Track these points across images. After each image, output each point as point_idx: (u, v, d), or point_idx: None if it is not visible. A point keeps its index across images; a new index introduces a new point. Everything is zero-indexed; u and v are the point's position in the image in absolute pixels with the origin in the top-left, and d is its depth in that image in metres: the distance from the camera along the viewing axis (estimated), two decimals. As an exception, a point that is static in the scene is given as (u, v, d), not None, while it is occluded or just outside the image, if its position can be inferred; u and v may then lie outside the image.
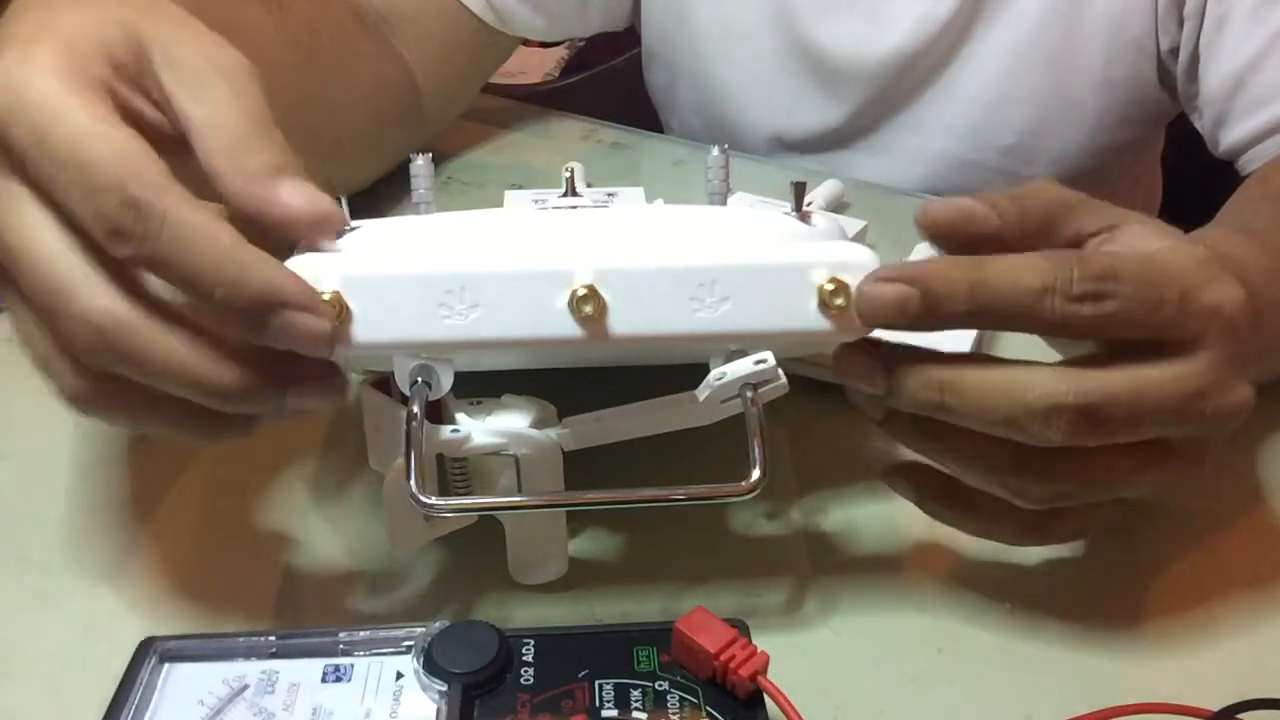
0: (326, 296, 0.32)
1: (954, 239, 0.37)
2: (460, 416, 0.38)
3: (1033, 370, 0.34)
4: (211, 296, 0.31)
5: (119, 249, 0.31)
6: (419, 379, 0.35)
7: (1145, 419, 0.34)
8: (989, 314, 0.34)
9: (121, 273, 0.32)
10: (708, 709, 0.32)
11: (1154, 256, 0.35)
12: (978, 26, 0.73)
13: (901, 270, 0.34)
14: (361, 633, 0.34)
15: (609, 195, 0.49)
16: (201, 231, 0.31)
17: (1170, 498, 0.45)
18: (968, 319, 0.34)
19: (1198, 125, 0.69)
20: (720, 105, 0.83)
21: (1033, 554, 0.42)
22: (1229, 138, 0.66)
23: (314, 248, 0.34)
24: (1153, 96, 0.73)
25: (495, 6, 0.73)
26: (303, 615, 0.39)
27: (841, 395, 0.50)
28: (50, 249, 0.32)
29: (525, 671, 0.33)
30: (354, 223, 0.35)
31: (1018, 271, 0.33)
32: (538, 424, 0.38)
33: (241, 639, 0.34)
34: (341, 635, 0.34)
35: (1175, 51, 0.69)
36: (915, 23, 0.73)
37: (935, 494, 0.38)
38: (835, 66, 0.77)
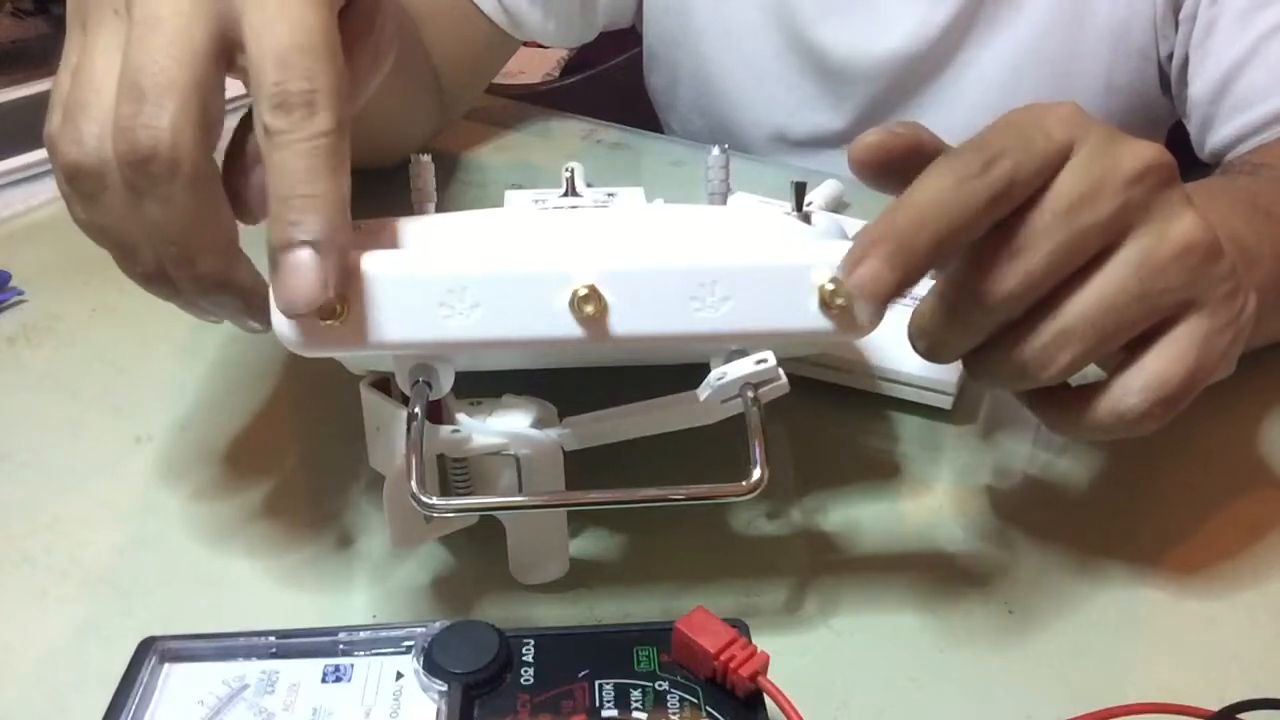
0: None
1: (894, 167, 0.36)
2: (460, 416, 0.38)
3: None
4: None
5: (275, 118, 0.31)
6: (419, 379, 0.35)
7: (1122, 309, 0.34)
8: (942, 233, 0.33)
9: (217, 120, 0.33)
10: (708, 709, 0.32)
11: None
12: (978, 32, 0.73)
13: (859, 245, 0.33)
14: (361, 633, 0.34)
15: (609, 195, 0.49)
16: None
17: (1170, 495, 0.45)
18: (934, 251, 0.33)
19: (1189, 129, 0.70)
20: (721, 105, 0.83)
21: (1033, 554, 0.42)
22: (1213, 141, 0.66)
23: None
24: (1154, 102, 0.73)
25: (508, 10, 0.73)
26: (303, 615, 0.39)
27: (842, 395, 0.50)
28: (191, 40, 0.32)
29: (525, 671, 0.33)
30: (354, 223, 0.35)
31: (931, 181, 0.33)
32: (538, 424, 0.38)
33: (241, 639, 0.34)
34: (341, 635, 0.34)
35: (1173, 56, 0.69)
36: (914, 25, 0.73)
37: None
38: (835, 67, 0.77)
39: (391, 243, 0.35)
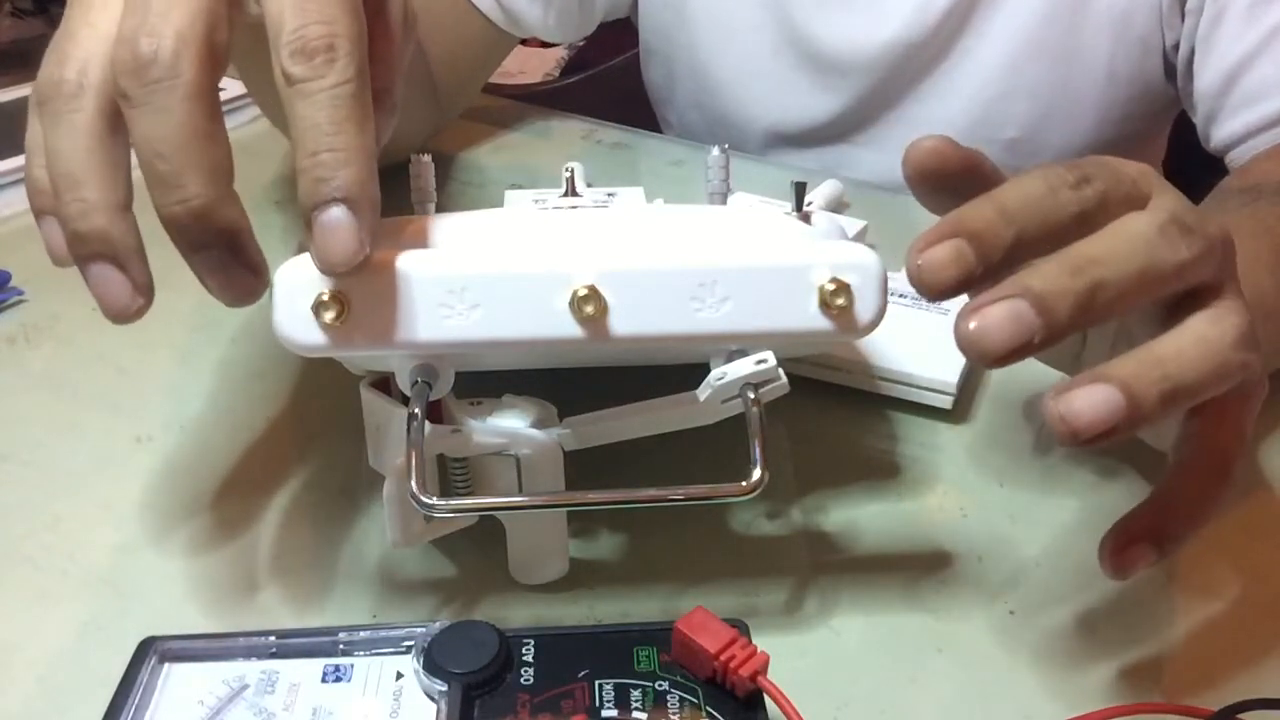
0: (328, 295, 0.32)
1: (950, 176, 0.34)
2: (460, 416, 0.38)
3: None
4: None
5: (295, 64, 0.31)
6: (419, 379, 0.35)
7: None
8: (1025, 232, 0.31)
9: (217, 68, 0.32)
10: (708, 709, 0.32)
11: None
12: (977, 19, 0.73)
13: (937, 229, 0.31)
14: (361, 633, 0.34)
15: (609, 195, 0.49)
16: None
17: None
18: (1012, 251, 0.31)
19: (1195, 120, 0.70)
20: (718, 99, 0.83)
21: (1033, 554, 0.42)
22: (1220, 134, 0.66)
23: None
24: (1156, 91, 0.73)
25: (505, 8, 0.73)
26: (303, 615, 0.39)
27: (842, 395, 0.50)
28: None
29: (525, 671, 0.33)
30: None
31: (1022, 184, 0.32)
32: (538, 424, 0.38)
33: (241, 639, 0.34)
34: (341, 635, 0.34)
35: (1178, 46, 0.69)
36: (912, 13, 0.73)
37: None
38: (832, 59, 0.77)
39: (391, 243, 0.35)
